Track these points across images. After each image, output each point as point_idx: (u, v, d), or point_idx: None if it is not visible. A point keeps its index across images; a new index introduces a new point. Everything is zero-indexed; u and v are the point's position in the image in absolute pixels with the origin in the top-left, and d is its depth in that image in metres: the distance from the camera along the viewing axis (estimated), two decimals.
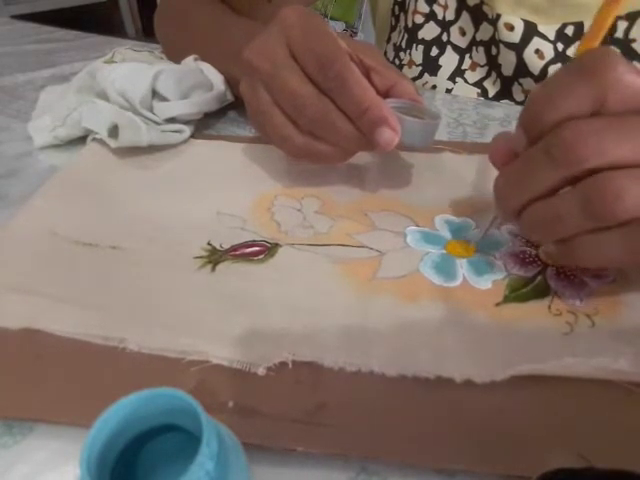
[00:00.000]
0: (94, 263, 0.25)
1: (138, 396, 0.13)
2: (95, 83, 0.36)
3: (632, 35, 0.42)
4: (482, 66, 0.50)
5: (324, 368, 0.19)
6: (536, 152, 0.20)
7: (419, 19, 0.51)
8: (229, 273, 0.25)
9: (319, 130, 0.27)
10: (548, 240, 0.23)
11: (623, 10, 0.41)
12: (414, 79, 0.53)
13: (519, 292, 0.23)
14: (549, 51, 0.44)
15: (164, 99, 0.36)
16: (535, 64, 0.45)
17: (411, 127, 0.27)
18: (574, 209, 0.19)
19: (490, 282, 0.24)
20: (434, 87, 0.53)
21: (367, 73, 0.29)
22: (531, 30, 0.44)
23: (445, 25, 0.50)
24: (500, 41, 0.46)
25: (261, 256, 0.26)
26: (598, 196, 0.19)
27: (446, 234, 0.28)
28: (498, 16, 0.45)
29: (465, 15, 0.49)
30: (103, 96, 0.35)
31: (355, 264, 0.25)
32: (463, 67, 0.51)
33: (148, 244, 0.26)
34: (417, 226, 0.28)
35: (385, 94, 0.30)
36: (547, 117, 0.20)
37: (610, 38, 0.43)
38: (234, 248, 0.26)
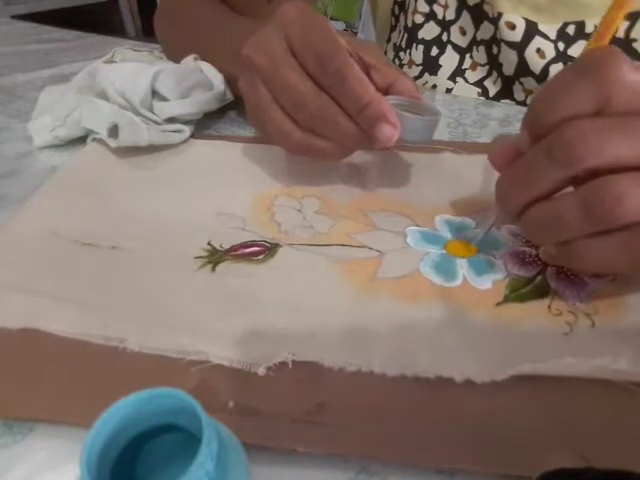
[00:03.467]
0: (94, 263, 0.25)
1: (138, 396, 0.13)
2: (95, 83, 0.36)
3: (633, 35, 0.42)
4: (483, 65, 0.50)
5: (324, 368, 0.19)
6: (537, 152, 0.20)
7: (419, 19, 0.51)
8: (229, 273, 0.25)
9: (318, 126, 0.27)
10: (548, 242, 0.23)
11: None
12: (414, 79, 0.53)
13: (519, 292, 0.23)
14: (550, 50, 0.44)
15: (164, 99, 0.36)
16: (536, 63, 0.45)
17: (411, 123, 0.27)
18: (575, 212, 0.19)
19: (490, 282, 0.24)
20: (434, 87, 0.53)
21: (367, 70, 0.29)
22: (532, 29, 0.44)
23: (445, 25, 0.50)
24: (501, 40, 0.46)
25: (261, 256, 0.26)
26: (599, 199, 0.19)
27: (446, 234, 0.28)
28: (499, 15, 0.45)
29: (465, 14, 0.49)
30: (103, 96, 0.35)
31: (355, 264, 0.25)
32: (464, 67, 0.51)
33: (148, 244, 0.26)
34: (417, 226, 0.28)
35: (385, 91, 0.30)
36: (549, 117, 0.20)
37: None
38: (234, 248, 0.26)
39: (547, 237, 0.22)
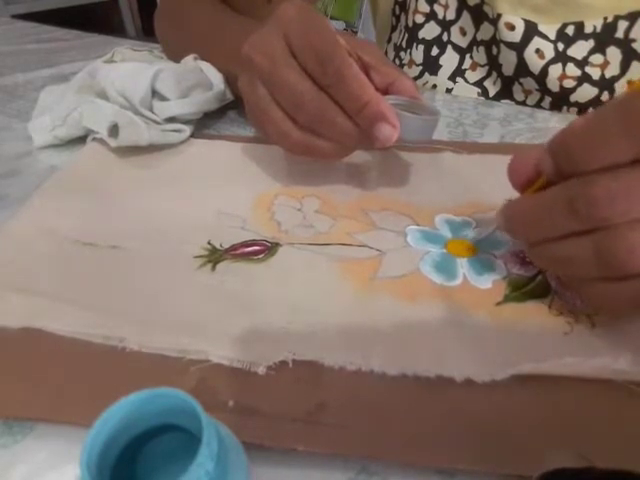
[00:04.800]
0: (94, 262, 0.25)
1: (138, 396, 0.13)
2: (95, 83, 0.36)
3: (632, 35, 0.42)
4: (482, 66, 0.50)
5: (324, 367, 0.19)
6: (560, 199, 0.19)
7: (420, 19, 0.51)
8: (229, 272, 0.25)
9: (317, 126, 0.27)
10: (558, 275, 0.23)
11: (625, 10, 0.41)
12: (415, 79, 0.53)
13: (519, 292, 0.23)
14: (549, 51, 0.44)
15: (164, 98, 0.36)
16: (535, 64, 0.45)
17: (410, 123, 0.27)
18: (586, 257, 0.19)
19: (490, 282, 0.24)
20: (434, 87, 0.53)
21: (366, 70, 0.29)
22: (532, 30, 0.44)
23: (446, 25, 0.50)
24: (501, 41, 0.46)
25: (261, 255, 0.26)
26: (612, 249, 0.18)
27: (446, 233, 0.28)
28: (499, 16, 0.45)
29: (466, 15, 0.49)
30: (103, 96, 0.35)
31: (355, 263, 0.25)
32: (464, 67, 0.51)
33: (148, 243, 0.26)
34: (417, 225, 0.28)
35: (384, 91, 0.30)
36: (581, 162, 0.19)
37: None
38: (234, 247, 0.26)
39: (556, 272, 0.22)
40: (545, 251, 0.21)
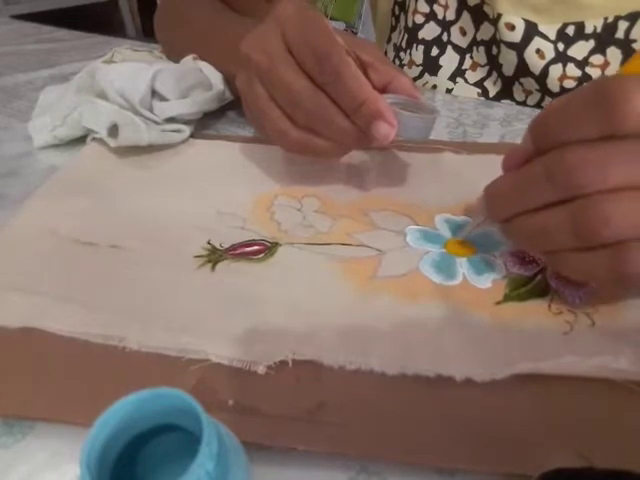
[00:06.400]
0: (94, 262, 0.25)
1: (138, 396, 0.13)
2: (95, 83, 0.36)
3: (633, 35, 0.42)
4: (483, 66, 0.50)
5: (324, 367, 0.19)
6: (537, 169, 0.20)
7: (419, 19, 0.51)
8: (229, 272, 0.25)
9: (315, 124, 0.27)
10: (533, 251, 0.23)
11: (625, 10, 0.41)
12: (414, 79, 0.53)
13: (519, 291, 0.23)
14: (550, 51, 0.44)
15: (163, 99, 0.36)
16: (536, 64, 0.45)
17: (408, 121, 0.27)
18: (562, 227, 0.20)
19: (490, 281, 0.24)
20: (434, 87, 0.53)
21: (364, 69, 0.29)
22: (532, 30, 0.44)
23: (445, 25, 0.50)
24: (501, 41, 0.46)
25: (261, 255, 0.26)
26: (587, 219, 0.19)
27: (446, 233, 0.28)
28: (499, 16, 0.45)
29: (466, 15, 0.49)
30: (103, 96, 0.35)
31: (355, 263, 0.25)
32: (464, 67, 0.51)
33: (148, 243, 0.26)
34: (417, 225, 0.28)
35: (382, 90, 0.30)
36: (557, 135, 0.20)
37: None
38: (234, 247, 0.26)
39: (532, 247, 0.23)
40: (522, 223, 0.21)
